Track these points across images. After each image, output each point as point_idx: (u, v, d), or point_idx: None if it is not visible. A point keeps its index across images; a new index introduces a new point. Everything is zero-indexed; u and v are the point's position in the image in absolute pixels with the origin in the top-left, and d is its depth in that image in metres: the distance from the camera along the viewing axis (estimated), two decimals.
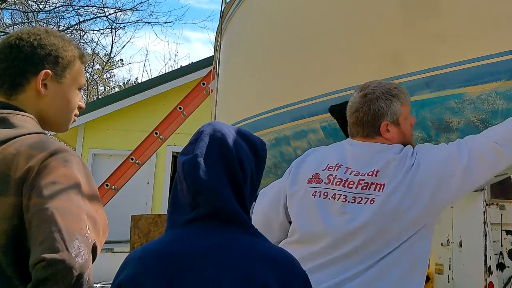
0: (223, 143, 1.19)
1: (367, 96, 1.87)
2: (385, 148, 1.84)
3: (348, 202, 1.74)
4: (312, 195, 1.82)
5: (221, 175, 1.16)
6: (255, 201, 2.02)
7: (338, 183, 1.79)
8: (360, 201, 1.73)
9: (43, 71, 1.33)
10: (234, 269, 1.10)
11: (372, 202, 1.71)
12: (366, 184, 1.74)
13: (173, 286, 1.10)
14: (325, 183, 1.82)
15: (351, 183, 1.77)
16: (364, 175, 1.76)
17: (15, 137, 1.22)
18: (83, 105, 1.46)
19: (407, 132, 1.91)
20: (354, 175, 1.79)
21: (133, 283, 1.12)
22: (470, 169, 1.70)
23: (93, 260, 1.15)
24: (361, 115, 1.87)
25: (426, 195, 1.69)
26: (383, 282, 1.65)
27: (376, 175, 1.74)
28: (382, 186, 1.72)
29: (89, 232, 1.13)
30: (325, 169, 1.86)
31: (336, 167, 1.84)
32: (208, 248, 1.13)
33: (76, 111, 1.45)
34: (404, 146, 1.86)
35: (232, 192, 1.16)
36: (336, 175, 1.82)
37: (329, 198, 1.78)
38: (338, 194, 1.77)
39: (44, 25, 13.86)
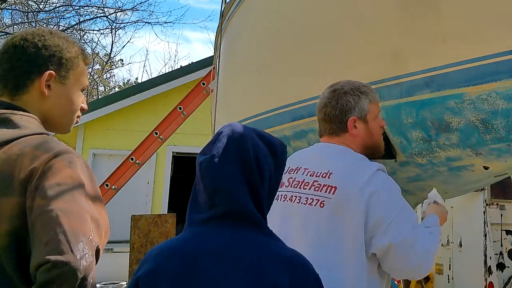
0: (241, 144, 1.21)
1: (335, 91, 1.89)
2: (346, 151, 1.82)
3: (301, 203, 1.74)
4: (276, 199, 1.83)
5: (238, 176, 1.18)
6: None
7: (295, 185, 1.80)
8: (311, 202, 1.72)
9: (47, 72, 1.34)
10: (245, 268, 1.12)
11: (322, 205, 1.69)
12: (319, 186, 1.73)
13: (186, 283, 1.12)
14: (285, 186, 1.83)
15: (306, 184, 1.77)
16: (319, 176, 1.76)
17: (19, 138, 1.22)
18: (85, 106, 1.46)
19: (375, 132, 1.90)
20: (310, 175, 1.78)
21: (149, 279, 1.15)
22: (402, 245, 1.65)
23: (96, 262, 1.15)
24: (329, 110, 1.87)
25: (366, 230, 1.64)
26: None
27: (329, 177, 1.73)
28: (333, 189, 1.70)
29: (92, 234, 1.13)
30: (286, 172, 1.87)
31: (296, 170, 1.85)
32: (221, 247, 1.15)
33: (79, 113, 1.45)
34: (372, 148, 1.86)
35: (248, 192, 1.18)
36: (295, 178, 1.82)
37: (287, 201, 1.79)
38: (294, 196, 1.78)
39: (44, 25, 13.85)
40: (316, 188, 1.73)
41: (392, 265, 1.70)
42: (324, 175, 1.74)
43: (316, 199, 1.71)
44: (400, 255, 1.67)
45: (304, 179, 1.79)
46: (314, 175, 1.77)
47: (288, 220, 1.76)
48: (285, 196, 1.81)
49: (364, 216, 1.65)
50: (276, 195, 1.80)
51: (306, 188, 1.76)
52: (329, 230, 1.68)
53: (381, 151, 1.93)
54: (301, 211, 1.74)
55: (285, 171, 1.87)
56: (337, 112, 1.85)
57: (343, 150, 1.83)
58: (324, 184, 1.72)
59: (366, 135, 1.88)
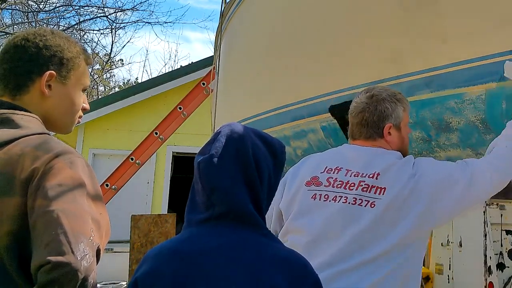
0: (240, 144, 1.20)
1: (373, 97, 1.91)
2: (386, 152, 1.87)
3: (349, 203, 1.75)
4: (312, 197, 1.83)
5: (236, 176, 1.17)
6: None
7: (339, 185, 1.81)
8: (360, 203, 1.74)
9: (48, 72, 1.33)
10: (243, 269, 1.12)
11: (372, 205, 1.72)
12: (366, 186, 1.76)
13: (185, 283, 1.12)
14: (325, 185, 1.83)
15: (352, 184, 1.78)
16: (365, 176, 1.78)
17: (20, 138, 1.22)
18: (87, 106, 1.46)
19: (405, 138, 1.96)
20: (355, 176, 1.80)
21: (148, 280, 1.15)
22: (471, 186, 1.73)
23: (96, 263, 1.15)
24: (367, 115, 1.90)
25: (424, 204, 1.71)
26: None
27: (377, 178, 1.76)
28: (383, 189, 1.73)
29: (93, 235, 1.13)
30: (323, 172, 1.87)
31: (336, 170, 1.86)
32: (219, 247, 1.15)
33: (80, 113, 1.45)
34: (401, 153, 1.89)
35: (247, 193, 1.17)
36: (336, 178, 1.83)
37: (329, 201, 1.80)
38: (339, 196, 1.78)
39: (44, 25, 13.85)
40: (364, 189, 1.75)
41: (479, 194, 1.81)
42: (371, 176, 1.77)
43: (365, 200, 1.73)
44: (479, 187, 1.75)
45: (348, 180, 1.80)
46: (360, 176, 1.79)
47: (333, 220, 1.77)
48: (326, 196, 1.81)
49: (421, 202, 1.71)
50: (314, 194, 1.83)
51: (352, 189, 1.77)
52: (380, 229, 1.70)
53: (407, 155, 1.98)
54: (349, 211, 1.75)
55: (322, 171, 1.87)
56: (375, 118, 1.89)
57: (384, 151, 1.87)
58: (372, 185, 1.75)
59: (398, 141, 1.92)
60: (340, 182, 1.81)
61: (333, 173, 1.85)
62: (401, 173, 1.76)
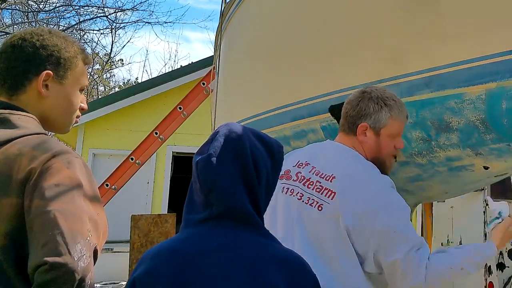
0: (238, 143, 1.20)
1: (363, 93, 1.90)
2: (354, 157, 1.81)
3: (303, 201, 1.75)
4: (282, 191, 1.83)
5: (234, 175, 1.17)
6: None
7: (301, 180, 1.80)
8: (312, 203, 1.72)
9: (44, 72, 1.33)
10: (242, 268, 1.12)
11: (320, 208, 1.69)
12: (320, 188, 1.73)
13: (184, 283, 1.12)
14: (293, 180, 1.83)
15: (311, 183, 1.77)
16: (323, 177, 1.75)
17: (17, 138, 1.22)
18: (85, 106, 1.45)
19: (384, 148, 1.86)
20: (315, 174, 1.78)
21: (146, 279, 1.15)
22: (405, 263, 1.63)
23: (94, 263, 1.14)
24: (348, 108, 1.90)
25: (376, 238, 1.64)
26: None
27: (331, 181, 1.72)
28: (333, 194, 1.69)
29: (90, 235, 1.12)
30: (295, 166, 1.87)
31: (305, 165, 1.85)
32: (218, 247, 1.15)
33: (78, 113, 1.44)
34: (376, 162, 1.82)
35: (245, 192, 1.17)
36: (302, 173, 1.82)
37: (294, 195, 1.79)
38: (298, 192, 1.78)
39: (44, 25, 13.85)
40: (318, 190, 1.73)
41: (394, 281, 1.68)
42: (327, 178, 1.73)
43: (316, 201, 1.71)
44: (404, 272, 1.64)
45: (310, 177, 1.78)
46: (319, 175, 1.77)
47: (292, 217, 1.76)
48: (292, 191, 1.80)
49: (363, 229, 1.64)
50: (283, 187, 1.82)
51: (310, 187, 1.75)
52: (326, 236, 1.67)
53: (385, 171, 1.87)
54: (301, 209, 1.74)
55: (294, 164, 1.87)
56: (354, 113, 1.87)
57: (353, 155, 1.82)
58: (325, 187, 1.71)
59: (374, 147, 1.85)
60: (303, 178, 1.80)
61: (302, 168, 1.84)
62: (360, 188, 1.69)
